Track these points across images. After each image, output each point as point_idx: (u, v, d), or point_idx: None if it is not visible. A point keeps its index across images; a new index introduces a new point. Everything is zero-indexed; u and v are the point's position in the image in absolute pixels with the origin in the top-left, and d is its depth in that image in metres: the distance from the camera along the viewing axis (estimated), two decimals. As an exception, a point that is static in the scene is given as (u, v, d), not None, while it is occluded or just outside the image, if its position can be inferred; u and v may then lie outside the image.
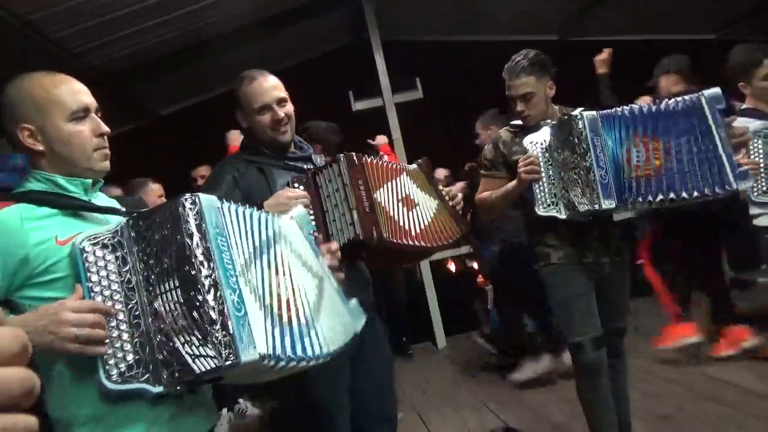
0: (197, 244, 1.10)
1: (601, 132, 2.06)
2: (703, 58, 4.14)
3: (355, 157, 1.76)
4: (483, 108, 3.76)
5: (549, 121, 2.24)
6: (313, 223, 1.72)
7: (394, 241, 1.75)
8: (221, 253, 1.12)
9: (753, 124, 2.48)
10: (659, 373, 3.53)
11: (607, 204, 2.02)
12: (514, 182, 2.23)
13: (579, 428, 2.71)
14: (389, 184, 1.81)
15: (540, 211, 2.17)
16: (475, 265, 5.39)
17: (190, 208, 1.12)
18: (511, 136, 2.38)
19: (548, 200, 2.17)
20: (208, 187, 1.89)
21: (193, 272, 1.08)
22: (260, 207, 1.72)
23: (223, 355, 1.05)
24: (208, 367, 1.06)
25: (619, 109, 2.09)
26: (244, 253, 1.21)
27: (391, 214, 1.78)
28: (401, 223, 1.79)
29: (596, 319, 2.26)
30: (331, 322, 1.34)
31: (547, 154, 2.17)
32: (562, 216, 2.15)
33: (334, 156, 1.81)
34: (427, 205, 1.84)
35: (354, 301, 1.46)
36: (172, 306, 1.09)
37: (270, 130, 1.84)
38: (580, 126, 2.05)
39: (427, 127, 4.59)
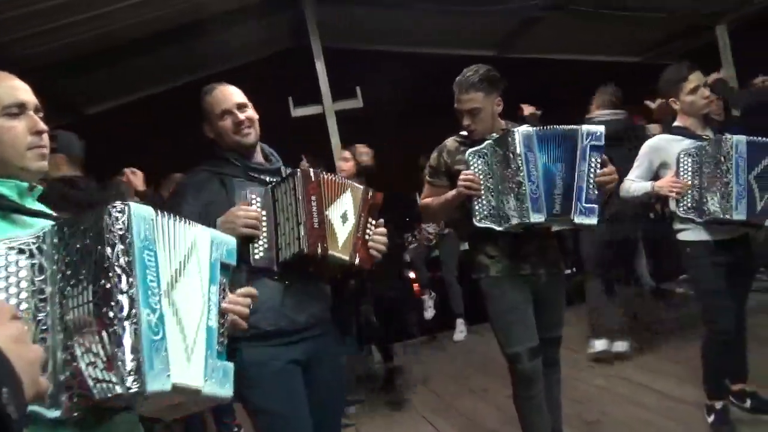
0: (118, 256, 1.01)
1: (534, 148, 2.13)
2: (629, 79, 4.38)
3: (311, 173, 1.79)
4: (423, 118, 3.80)
5: (493, 135, 2.29)
6: (264, 240, 1.75)
7: (337, 255, 1.78)
8: (145, 269, 1.03)
9: (683, 142, 2.62)
10: (587, 379, 3.66)
11: (536, 218, 2.09)
12: (453, 192, 2.27)
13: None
14: (338, 200, 1.84)
15: (477, 222, 2.21)
16: (412, 275, 5.41)
17: (117, 217, 1.03)
18: (456, 146, 2.41)
19: (485, 212, 2.21)
20: (173, 198, 1.96)
21: (108, 286, 0.99)
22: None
23: (126, 382, 0.95)
24: (110, 395, 0.96)
25: (558, 127, 2.17)
26: (171, 270, 1.12)
27: (335, 230, 1.80)
28: (341, 239, 1.81)
29: (533, 330, 2.32)
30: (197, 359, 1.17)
31: (486, 167, 2.22)
32: (498, 228, 2.20)
33: (293, 170, 1.84)
34: (349, 222, 1.86)
35: (225, 365, 1.21)
36: (83, 322, 0.99)
37: (233, 134, 1.89)
38: (516, 142, 2.12)
39: (366, 136, 4.59)
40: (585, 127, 2.15)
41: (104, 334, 0.97)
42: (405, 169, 5.51)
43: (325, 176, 1.83)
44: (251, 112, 1.93)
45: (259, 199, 1.79)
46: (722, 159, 2.45)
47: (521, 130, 2.14)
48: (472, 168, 2.22)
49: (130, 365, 0.95)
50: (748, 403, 2.82)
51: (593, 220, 2.12)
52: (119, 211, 1.04)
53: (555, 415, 2.50)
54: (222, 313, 1.25)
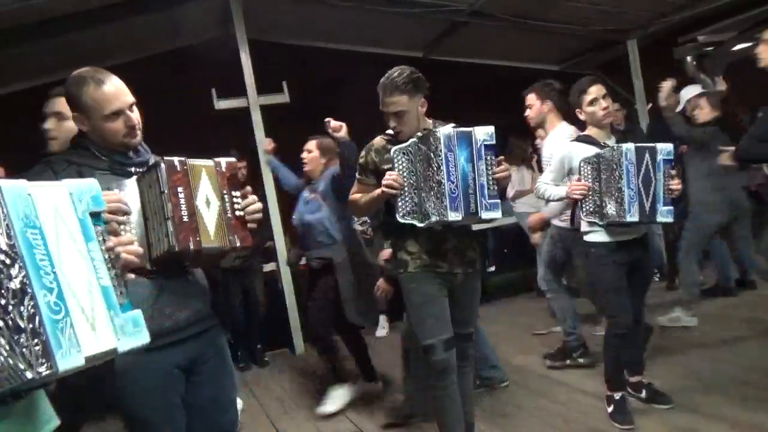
0: None
1: (454, 148, 2.19)
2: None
3: (176, 162, 1.66)
4: (348, 116, 3.78)
5: (419, 134, 2.34)
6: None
7: (214, 246, 1.68)
8: (32, 249, 0.99)
9: (586, 150, 2.79)
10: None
11: (454, 216, 2.16)
12: (378, 191, 2.32)
13: (432, 428, 2.82)
14: (201, 186, 1.72)
15: (399, 218, 2.26)
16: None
17: None
18: (384, 145, 2.46)
19: (407, 208, 2.26)
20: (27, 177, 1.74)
21: None
22: None
23: (35, 366, 0.94)
24: (21, 381, 0.94)
25: (465, 129, 2.24)
26: (60, 243, 1.07)
27: (205, 220, 1.69)
28: (212, 227, 1.70)
29: (448, 323, 2.40)
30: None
31: (410, 165, 2.27)
32: (419, 225, 2.25)
33: (156, 160, 1.70)
34: (214, 206, 1.74)
35: (132, 316, 1.16)
36: None
37: (123, 136, 1.72)
38: (438, 141, 2.18)
39: (291, 131, 4.53)
40: (478, 129, 2.23)
41: (1, 324, 0.94)
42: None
43: (192, 162, 1.69)
44: (137, 110, 1.77)
45: (122, 192, 1.62)
46: (614, 166, 2.66)
47: (443, 131, 2.20)
48: (396, 165, 2.26)
49: (35, 350, 0.94)
50: (643, 393, 3.04)
51: (498, 214, 2.23)
52: None
53: (467, 408, 2.58)
54: (112, 264, 1.16)
